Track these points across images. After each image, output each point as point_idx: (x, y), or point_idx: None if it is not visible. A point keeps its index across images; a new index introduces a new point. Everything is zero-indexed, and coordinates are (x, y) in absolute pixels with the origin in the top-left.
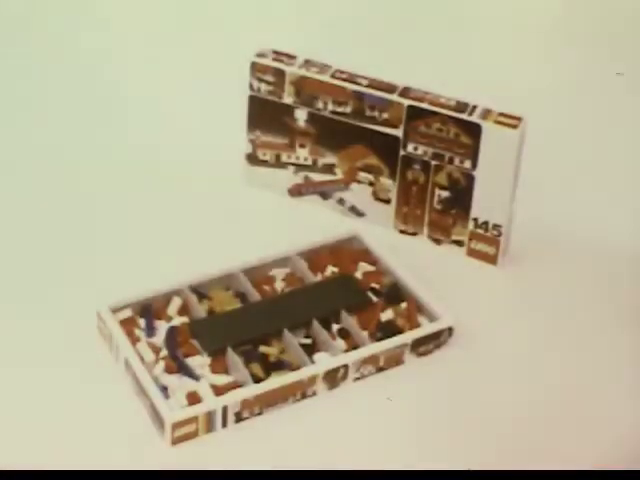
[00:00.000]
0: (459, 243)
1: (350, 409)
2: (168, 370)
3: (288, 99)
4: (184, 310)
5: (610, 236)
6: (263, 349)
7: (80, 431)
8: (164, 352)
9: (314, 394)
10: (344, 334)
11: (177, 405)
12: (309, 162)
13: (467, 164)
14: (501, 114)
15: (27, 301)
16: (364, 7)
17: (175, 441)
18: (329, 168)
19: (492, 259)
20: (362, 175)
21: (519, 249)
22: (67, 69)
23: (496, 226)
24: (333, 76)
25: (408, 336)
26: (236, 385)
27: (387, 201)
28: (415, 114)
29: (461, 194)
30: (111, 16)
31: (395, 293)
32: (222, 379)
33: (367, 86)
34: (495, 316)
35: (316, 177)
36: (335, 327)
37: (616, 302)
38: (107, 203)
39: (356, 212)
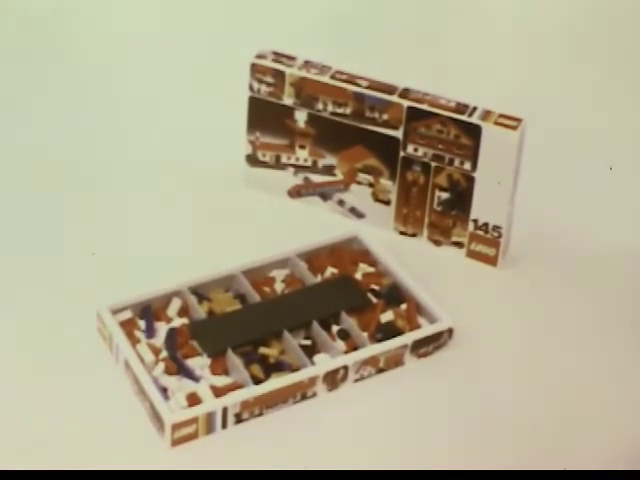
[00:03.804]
0: (459, 244)
1: (350, 410)
2: (168, 371)
3: (288, 100)
4: (184, 311)
5: (610, 236)
6: (263, 350)
7: (80, 432)
8: (164, 353)
9: (314, 395)
10: (344, 335)
11: (177, 406)
12: (309, 163)
13: (467, 165)
14: (501, 115)
15: (27, 301)
16: (364, 8)
17: (175, 442)
18: (329, 169)
19: (492, 260)
20: (362, 176)
21: (519, 250)
22: (68, 69)
23: (496, 227)
24: (333, 77)
25: (408, 337)
26: (236, 386)
27: (387, 202)
28: (415, 115)
29: (461, 195)
30: (111, 16)
31: (395, 294)
32: (222, 380)
33: (367, 87)
34: (495, 317)
35: (316, 178)
36: (335, 328)
37: (616, 302)
38: (107, 203)
39: (356, 213)
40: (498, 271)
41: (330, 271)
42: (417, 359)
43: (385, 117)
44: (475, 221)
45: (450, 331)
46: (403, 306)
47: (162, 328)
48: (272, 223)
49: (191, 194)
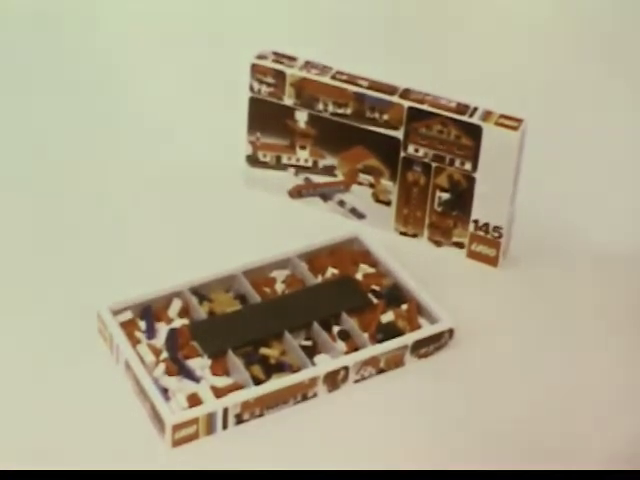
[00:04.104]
0: (460, 245)
1: (350, 411)
2: (168, 372)
3: (288, 101)
4: (184, 312)
5: (610, 237)
6: (263, 351)
7: (80, 433)
8: (164, 354)
9: (315, 396)
10: (344, 336)
11: (177, 407)
12: (309, 164)
13: (468, 166)
14: (502, 116)
15: (28, 302)
16: (364, 7)
17: (175, 443)
18: (329, 170)
19: (492, 261)
20: (362, 177)
21: (519, 251)
22: (69, 69)
23: (497, 228)
24: (333, 77)
25: (409, 338)
26: (237, 387)
27: (387, 203)
28: (416, 116)
29: (462, 196)
30: (112, 17)
31: (396, 295)
32: (222, 381)
33: (367, 87)
34: (495, 318)
35: (316, 179)
36: (335, 329)
37: (616, 303)
38: (108, 204)
39: (356, 214)
40: (499, 272)
41: (331, 272)
42: (418, 360)
43: (386, 117)
44: (476, 221)
45: (451, 331)
46: (404, 307)
47: (163, 329)
48: (273, 223)
49: (191, 194)
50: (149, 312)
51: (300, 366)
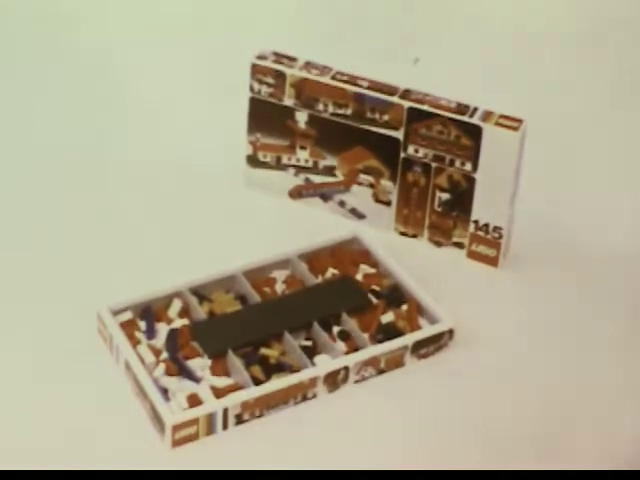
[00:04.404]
0: (460, 245)
1: (350, 411)
2: (168, 372)
3: (289, 101)
4: (185, 312)
5: (610, 237)
6: (264, 351)
7: (80, 433)
8: (164, 354)
9: (314, 396)
10: (345, 336)
11: (177, 407)
12: (310, 164)
13: (468, 166)
14: (502, 116)
15: (28, 302)
16: (364, 8)
17: (175, 443)
18: (330, 170)
19: (493, 261)
20: (363, 177)
21: (520, 251)
22: (69, 69)
23: (497, 228)
24: (334, 78)
25: (409, 338)
26: (236, 387)
27: (388, 203)
28: (416, 116)
29: (462, 196)
30: (112, 16)
31: (396, 295)
32: (222, 381)
33: (368, 88)
34: (496, 318)
35: (317, 179)
36: (336, 329)
37: (616, 303)
38: (108, 204)
39: (356, 214)
40: (499, 272)
41: (331, 272)
42: (418, 360)
43: (386, 118)
44: (476, 222)
45: (451, 332)
46: (404, 307)
47: (163, 329)
48: (273, 224)
49: (192, 195)
50: (149, 312)
51: (300, 366)
